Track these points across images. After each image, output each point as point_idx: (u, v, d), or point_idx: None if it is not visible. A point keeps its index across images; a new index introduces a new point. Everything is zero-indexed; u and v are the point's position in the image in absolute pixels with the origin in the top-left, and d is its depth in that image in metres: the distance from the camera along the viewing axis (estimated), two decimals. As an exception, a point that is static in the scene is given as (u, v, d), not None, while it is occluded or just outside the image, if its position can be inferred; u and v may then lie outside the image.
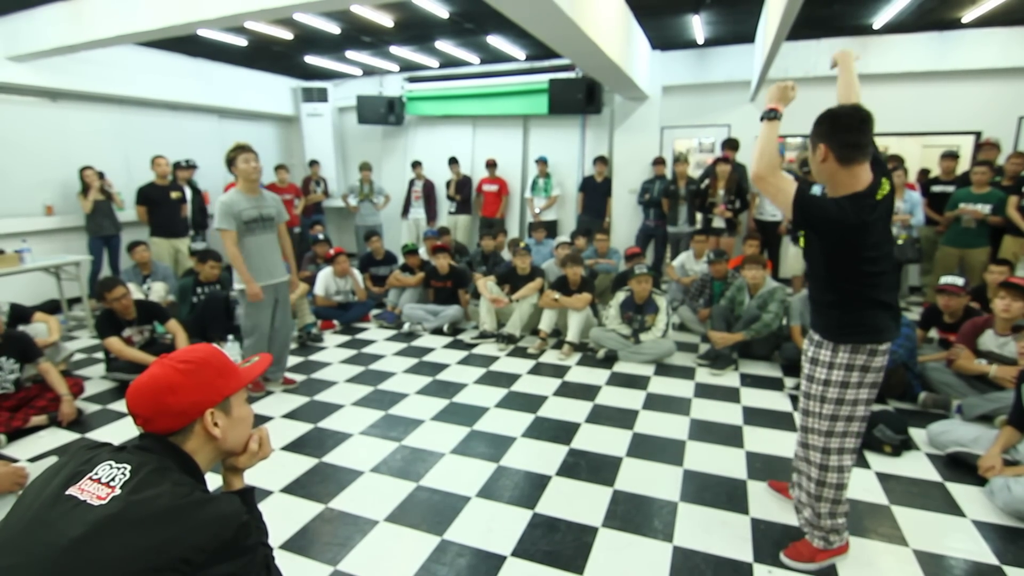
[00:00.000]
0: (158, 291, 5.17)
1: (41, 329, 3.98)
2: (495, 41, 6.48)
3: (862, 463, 2.79)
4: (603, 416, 3.39)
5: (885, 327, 1.84)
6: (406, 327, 5.20)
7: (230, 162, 3.41)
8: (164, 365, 1.08)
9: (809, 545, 2.08)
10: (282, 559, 2.01)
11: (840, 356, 1.86)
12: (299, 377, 4.03)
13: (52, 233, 6.03)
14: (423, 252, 6.18)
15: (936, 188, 5.48)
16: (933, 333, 4.03)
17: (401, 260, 5.88)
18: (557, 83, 7.11)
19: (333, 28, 5.80)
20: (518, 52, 7.11)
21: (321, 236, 6.56)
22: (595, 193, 7.23)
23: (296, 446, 3.02)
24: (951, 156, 5.55)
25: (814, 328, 1.97)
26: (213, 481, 1.13)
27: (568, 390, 3.81)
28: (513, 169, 8.04)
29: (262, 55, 7.16)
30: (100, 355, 4.27)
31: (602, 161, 7.14)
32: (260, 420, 3.33)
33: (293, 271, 3.86)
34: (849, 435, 1.95)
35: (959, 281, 3.68)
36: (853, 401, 1.89)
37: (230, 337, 4.09)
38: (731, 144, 6.43)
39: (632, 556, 2.13)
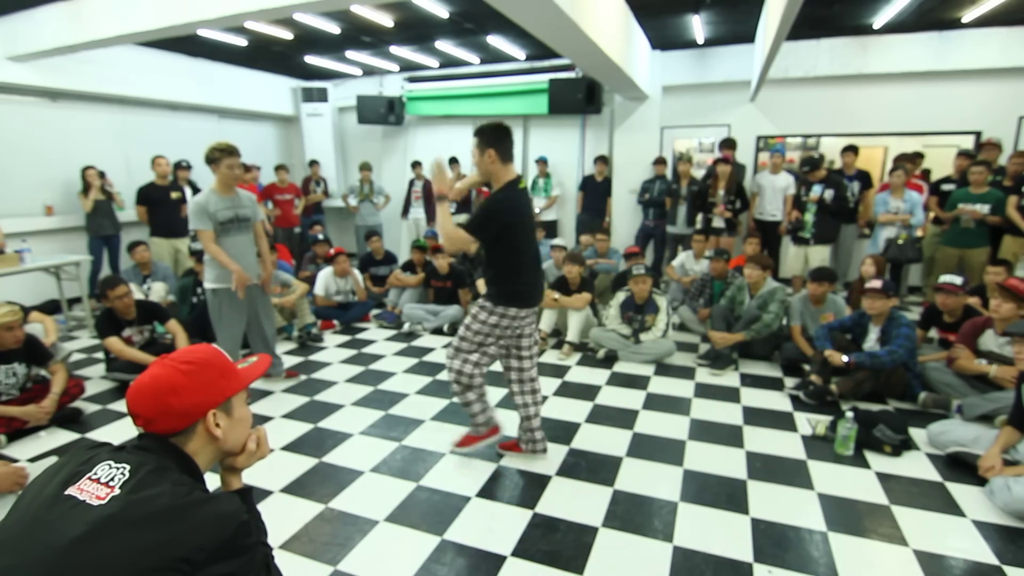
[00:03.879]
0: (158, 291, 5.17)
1: (37, 330, 3.97)
2: (495, 41, 6.48)
3: (862, 463, 2.80)
4: (603, 416, 3.39)
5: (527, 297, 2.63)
6: (406, 327, 5.20)
7: (211, 160, 3.33)
8: (166, 366, 1.08)
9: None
10: (282, 559, 2.01)
11: (497, 311, 2.61)
12: (299, 377, 4.03)
13: (52, 233, 6.03)
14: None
15: (947, 187, 5.42)
16: (933, 333, 4.03)
17: (401, 260, 5.87)
18: (557, 83, 7.11)
19: (333, 28, 5.81)
20: (518, 52, 7.11)
21: (321, 236, 6.56)
22: (595, 192, 7.24)
23: (296, 446, 3.02)
24: (965, 155, 5.52)
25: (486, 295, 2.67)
26: (212, 481, 1.13)
27: (568, 390, 3.81)
28: (513, 169, 8.03)
29: (262, 55, 7.16)
30: (100, 355, 4.27)
31: (603, 160, 7.14)
32: (260, 420, 3.33)
33: (267, 269, 3.70)
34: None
35: (957, 280, 3.67)
36: (499, 336, 2.68)
37: None
38: (729, 144, 6.44)
39: (632, 556, 2.13)
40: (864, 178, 5.84)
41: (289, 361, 4.36)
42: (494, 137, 2.51)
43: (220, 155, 3.31)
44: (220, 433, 1.11)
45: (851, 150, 5.75)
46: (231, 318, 3.50)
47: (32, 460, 2.89)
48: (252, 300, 3.62)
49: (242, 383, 1.17)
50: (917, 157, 5.99)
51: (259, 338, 3.73)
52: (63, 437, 3.18)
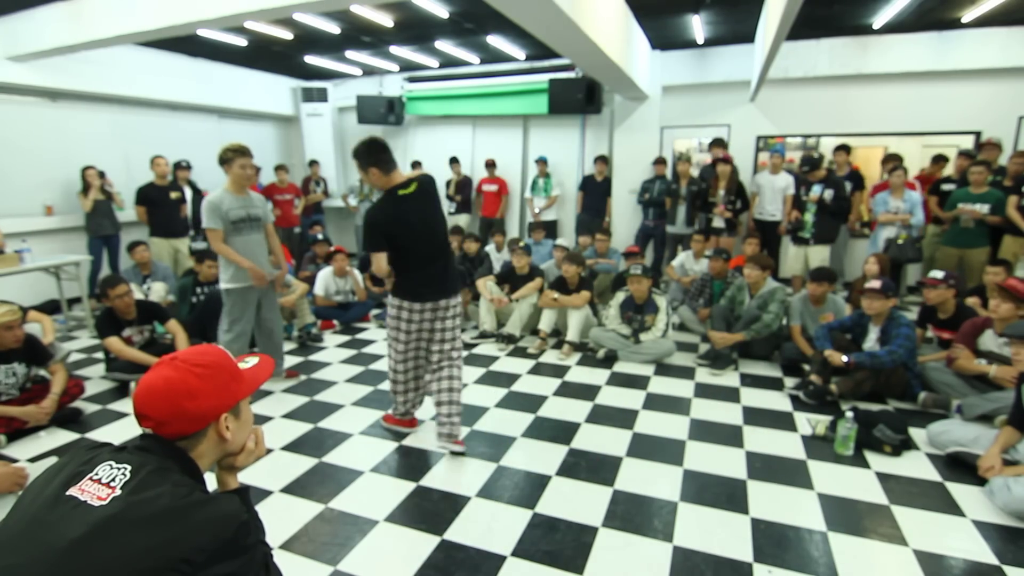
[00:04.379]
0: (158, 291, 5.17)
1: (35, 329, 3.96)
2: (495, 41, 6.48)
3: (862, 463, 2.80)
4: (603, 416, 3.39)
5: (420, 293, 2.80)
6: (406, 327, 5.19)
7: (224, 161, 3.37)
8: (178, 368, 1.06)
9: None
10: (282, 559, 2.02)
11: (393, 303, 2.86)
12: (299, 377, 4.03)
13: (52, 233, 6.03)
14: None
15: (947, 187, 5.41)
16: (930, 332, 4.02)
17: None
18: (557, 83, 7.11)
19: (333, 28, 5.81)
20: (518, 52, 7.11)
21: (321, 236, 6.57)
22: (595, 192, 7.24)
23: (296, 446, 3.02)
24: (965, 155, 5.51)
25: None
26: (210, 482, 1.13)
27: (568, 390, 3.81)
28: (513, 169, 8.04)
29: (262, 55, 7.16)
30: (100, 355, 4.27)
31: (603, 160, 7.14)
32: (260, 420, 3.33)
33: (282, 270, 3.79)
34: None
35: (939, 274, 3.69)
36: (407, 331, 2.87)
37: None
38: (719, 143, 6.44)
39: (632, 556, 2.13)
40: (856, 179, 5.84)
41: (289, 361, 4.36)
42: (369, 155, 2.68)
43: (233, 155, 3.36)
44: (230, 436, 1.11)
45: (843, 149, 5.75)
46: (244, 317, 3.57)
47: (32, 460, 2.89)
48: (261, 299, 3.66)
49: (251, 386, 1.17)
50: (942, 160, 5.97)
51: (268, 338, 3.77)
52: (63, 437, 3.18)
